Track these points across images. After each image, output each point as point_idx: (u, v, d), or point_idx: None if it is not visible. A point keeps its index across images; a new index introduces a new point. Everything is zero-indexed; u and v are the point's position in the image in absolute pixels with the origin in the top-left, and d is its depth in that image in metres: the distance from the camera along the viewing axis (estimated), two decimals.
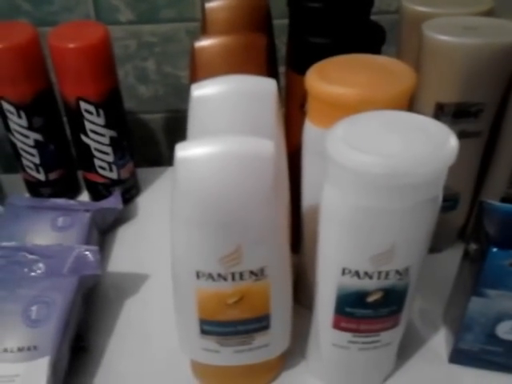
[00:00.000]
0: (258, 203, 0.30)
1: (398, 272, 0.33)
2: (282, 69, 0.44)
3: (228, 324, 0.34)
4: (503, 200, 0.44)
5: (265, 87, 0.34)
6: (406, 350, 0.42)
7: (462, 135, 0.41)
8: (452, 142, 0.29)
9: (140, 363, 0.41)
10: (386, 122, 0.31)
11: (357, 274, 0.32)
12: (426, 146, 0.29)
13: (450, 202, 0.46)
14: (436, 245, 0.48)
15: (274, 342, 0.37)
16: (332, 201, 0.31)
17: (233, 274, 0.32)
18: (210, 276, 0.32)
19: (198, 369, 0.39)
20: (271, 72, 0.40)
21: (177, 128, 0.68)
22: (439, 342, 0.42)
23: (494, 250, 0.34)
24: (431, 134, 0.30)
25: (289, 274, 0.35)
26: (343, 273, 0.33)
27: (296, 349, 0.40)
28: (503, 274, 0.35)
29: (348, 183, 0.30)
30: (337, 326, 0.35)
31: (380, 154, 0.28)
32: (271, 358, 0.38)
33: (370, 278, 0.32)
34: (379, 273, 0.32)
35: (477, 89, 0.40)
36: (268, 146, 0.30)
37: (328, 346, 0.37)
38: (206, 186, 0.29)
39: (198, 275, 0.32)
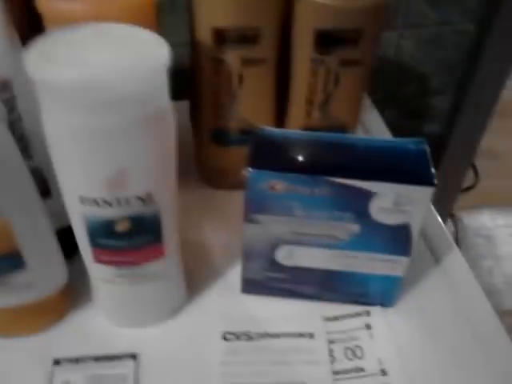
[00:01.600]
0: None
1: (139, 198, 0.32)
2: None
3: None
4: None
5: None
6: (202, 283, 0.41)
7: (244, 62, 0.40)
8: (162, 54, 0.28)
9: None
10: (93, 35, 0.29)
11: (95, 202, 0.31)
12: (134, 59, 0.28)
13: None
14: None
15: (38, 282, 0.35)
16: (49, 124, 0.29)
17: None
18: None
19: None
20: None
21: None
22: (235, 274, 0.41)
23: (251, 170, 0.34)
24: (143, 46, 0.28)
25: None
26: (82, 202, 0.31)
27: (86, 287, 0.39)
28: (267, 198, 0.35)
29: (56, 102, 0.28)
30: (97, 259, 0.34)
31: (78, 66, 0.27)
32: (49, 298, 0.37)
33: (110, 205, 0.31)
34: (118, 200, 0.31)
35: (252, 12, 0.38)
36: None
37: (98, 281, 0.36)
38: None
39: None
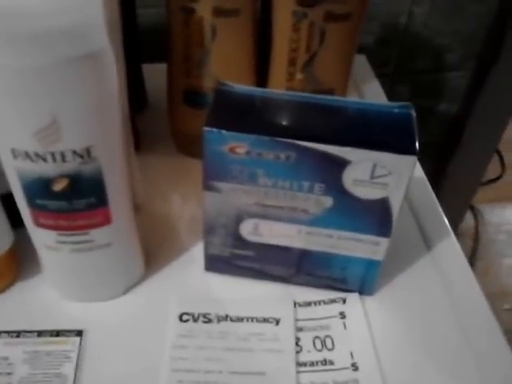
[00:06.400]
0: None
1: (76, 153, 0.28)
2: None
3: None
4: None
5: None
6: (164, 259, 0.38)
7: (216, 12, 0.36)
8: None
9: None
10: None
11: (28, 155, 0.28)
12: None
13: None
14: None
15: None
16: None
17: None
18: None
19: None
20: None
21: None
22: (201, 250, 0.37)
23: (207, 129, 0.30)
24: None
25: None
26: (15, 156, 0.28)
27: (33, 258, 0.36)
28: (227, 163, 0.31)
29: None
30: (37, 222, 0.31)
31: None
32: None
33: (45, 160, 0.28)
34: (52, 154, 0.28)
35: None
36: None
37: (41, 248, 0.33)
38: None
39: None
